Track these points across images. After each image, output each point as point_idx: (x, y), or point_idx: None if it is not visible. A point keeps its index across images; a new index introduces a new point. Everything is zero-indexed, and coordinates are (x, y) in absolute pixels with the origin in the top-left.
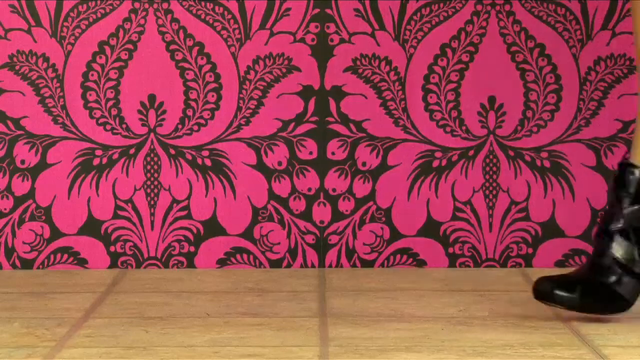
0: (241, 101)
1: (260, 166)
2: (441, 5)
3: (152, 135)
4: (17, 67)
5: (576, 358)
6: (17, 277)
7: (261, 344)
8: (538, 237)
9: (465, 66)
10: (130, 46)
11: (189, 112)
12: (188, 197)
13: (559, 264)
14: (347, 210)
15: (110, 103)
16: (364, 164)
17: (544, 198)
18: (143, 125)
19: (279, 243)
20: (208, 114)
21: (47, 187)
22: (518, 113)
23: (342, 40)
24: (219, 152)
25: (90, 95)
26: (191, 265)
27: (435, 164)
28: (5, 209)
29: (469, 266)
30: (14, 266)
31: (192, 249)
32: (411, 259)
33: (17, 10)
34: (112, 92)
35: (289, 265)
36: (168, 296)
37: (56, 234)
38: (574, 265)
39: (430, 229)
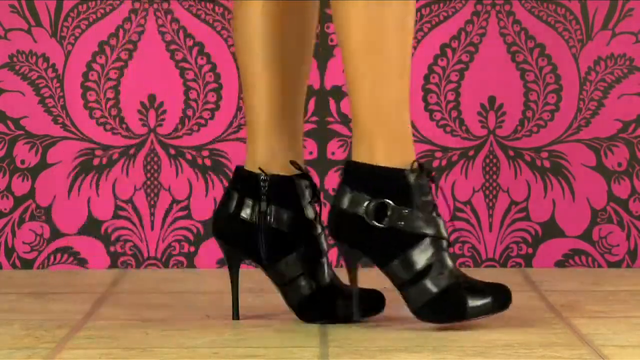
0: (241, 101)
1: None
2: (441, 5)
3: (152, 135)
4: (17, 67)
5: (576, 358)
6: (17, 277)
7: (261, 345)
8: (538, 237)
9: (465, 66)
10: (130, 46)
11: (189, 112)
12: (188, 197)
13: (559, 264)
14: None
15: (110, 103)
16: None
17: (544, 198)
18: (143, 125)
19: None
20: (208, 114)
21: (47, 187)
22: (518, 113)
23: None
24: (219, 152)
25: (90, 95)
26: (191, 265)
27: (435, 164)
28: (5, 209)
29: (469, 266)
30: (14, 266)
31: (192, 249)
32: None
33: (17, 10)
34: (112, 92)
35: None
36: (168, 297)
37: (56, 234)
38: (574, 265)
39: None
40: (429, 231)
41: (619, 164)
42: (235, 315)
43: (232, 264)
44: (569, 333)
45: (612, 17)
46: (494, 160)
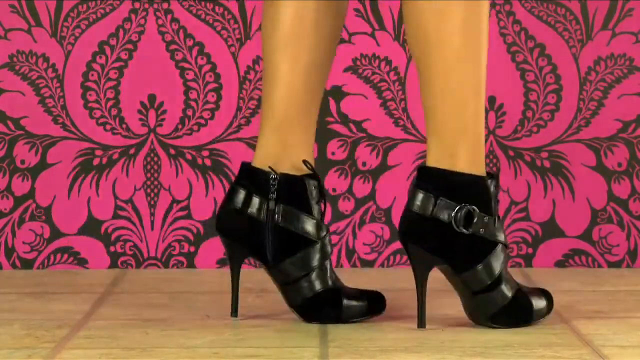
0: (241, 101)
1: None
2: None
3: (152, 135)
4: (17, 67)
5: (576, 358)
6: (17, 277)
7: (261, 345)
8: (538, 237)
9: None
10: (130, 46)
11: (189, 112)
12: (188, 197)
13: (559, 264)
14: (347, 210)
15: (110, 103)
16: (364, 164)
17: (544, 198)
18: (143, 125)
19: None
20: (208, 114)
21: (47, 187)
22: (518, 113)
23: (342, 40)
24: (219, 152)
25: (90, 95)
26: (191, 265)
27: None
28: (5, 209)
29: None
30: (14, 266)
31: (192, 249)
32: None
33: (17, 10)
34: (112, 92)
35: None
36: (168, 297)
37: (56, 234)
38: (574, 265)
39: None
40: (501, 238)
41: (619, 164)
42: (234, 312)
43: (234, 261)
44: (569, 333)
45: (612, 17)
46: (494, 160)
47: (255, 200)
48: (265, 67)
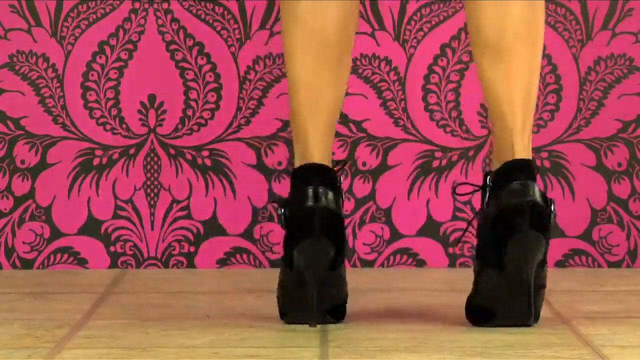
0: (241, 101)
1: (260, 166)
2: (441, 5)
3: (152, 135)
4: (17, 67)
5: (576, 358)
6: (17, 277)
7: (261, 345)
8: None
9: (465, 66)
10: (130, 46)
11: (189, 112)
12: (188, 197)
13: (559, 264)
14: (346, 210)
15: (110, 103)
16: (364, 164)
17: None
18: (143, 125)
19: (279, 243)
20: (208, 114)
21: (47, 187)
22: None
23: None
24: (219, 152)
25: (90, 95)
26: (191, 265)
27: (435, 164)
28: (5, 209)
29: (469, 266)
30: (14, 266)
31: (192, 249)
32: (411, 259)
33: (17, 10)
34: (112, 92)
35: None
36: (168, 297)
37: (56, 234)
38: (574, 265)
39: (430, 228)
40: None
41: (619, 164)
42: (314, 322)
43: (324, 259)
44: (569, 333)
45: (612, 17)
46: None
47: (339, 200)
48: (292, 67)
